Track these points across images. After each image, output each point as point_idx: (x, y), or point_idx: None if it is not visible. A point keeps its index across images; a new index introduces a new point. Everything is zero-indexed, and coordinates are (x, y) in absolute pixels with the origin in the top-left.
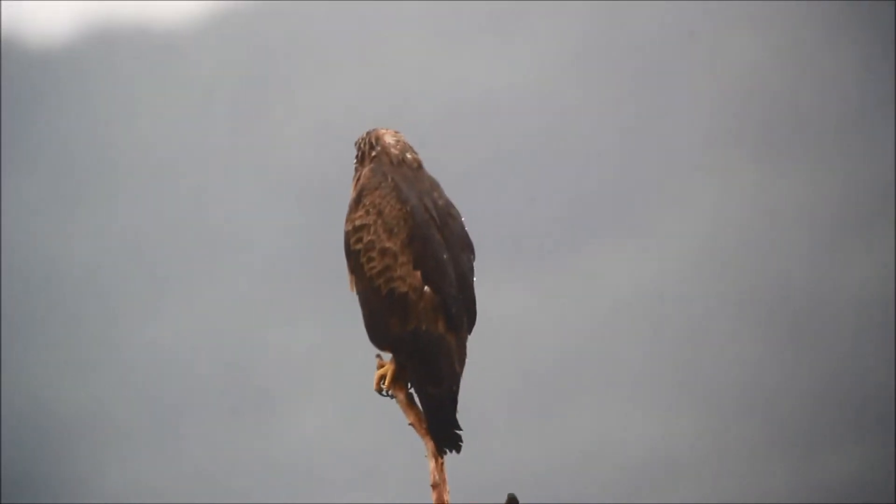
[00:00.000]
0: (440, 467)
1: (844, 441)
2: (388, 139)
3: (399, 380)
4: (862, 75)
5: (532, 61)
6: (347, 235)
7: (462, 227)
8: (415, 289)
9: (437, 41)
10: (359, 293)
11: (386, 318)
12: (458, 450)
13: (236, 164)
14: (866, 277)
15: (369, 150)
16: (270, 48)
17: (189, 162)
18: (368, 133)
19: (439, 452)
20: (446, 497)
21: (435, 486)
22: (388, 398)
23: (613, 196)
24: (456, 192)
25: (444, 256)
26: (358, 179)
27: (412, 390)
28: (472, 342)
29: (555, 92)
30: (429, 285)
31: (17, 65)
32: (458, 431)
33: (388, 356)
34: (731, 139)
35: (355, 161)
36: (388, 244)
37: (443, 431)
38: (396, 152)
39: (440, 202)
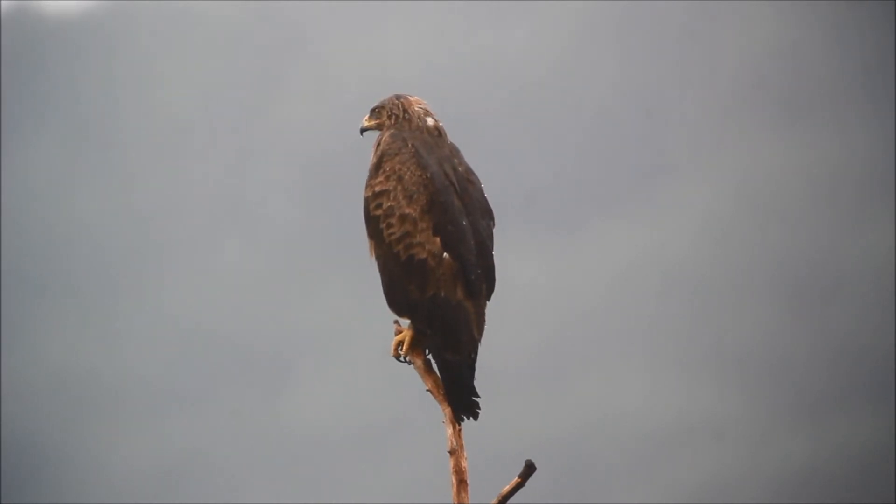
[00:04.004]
0: (458, 434)
1: (857, 406)
2: (413, 106)
3: (417, 346)
4: (877, 46)
5: (550, 28)
6: (367, 201)
7: (482, 193)
8: (434, 255)
9: (452, 7)
10: (378, 259)
11: (405, 284)
12: (476, 417)
13: (252, 132)
14: (875, 245)
15: (395, 116)
16: (286, 16)
17: (204, 129)
18: (394, 98)
19: (457, 419)
20: (464, 463)
21: (452, 452)
22: (406, 364)
23: (629, 165)
24: (473, 157)
25: (464, 223)
26: (378, 145)
27: (430, 356)
28: (491, 309)
29: (573, 60)
30: (448, 252)
31: (32, 32)
32: (475, 398)
33: (405, 322)
34: (743, 112)
35: (370, 117)
36: (407, 210)
37: (460, 398)
38: (418, 119)
39: (460, 168)
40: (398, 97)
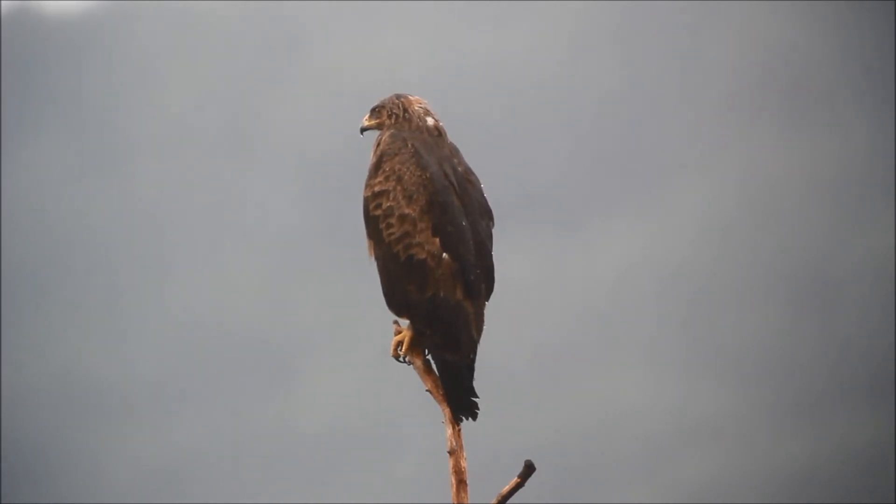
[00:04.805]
0: (457, 434)
1: (857, 406)
2: (412, 105)
3: (416, 346)
4: (877, 46)
5: (551, 28)
6: (367, 201)
7: (481, 193)
8: (433, 255)
9: (453, 8)
10: (377, 259)
11: (404, 284)
12: (475, 417)
13: (252, 132)
14: (875, 245)
15: (395, 115)
16: (286, 16)
17: (204, 129)
18: (394, 98)
19: (456, 419)
20: (463, 464)
21: (452, 452)
22: (406, 365)
23: (629, 166)
24: (473, 157)
25: (463, 223)
26: (378, 145)
27: (429, 357)
28: (490, 309)
29: (573, 61)
30: (447, 252)
31: (32, 32)
32: (474, 399)
33: (405, 322)
34: (744, 112)
35: (370, 116)
36: (407, 210)
37: (459, 398)
38: (418, 118)
39: (460, 168)
40: (398, 97)
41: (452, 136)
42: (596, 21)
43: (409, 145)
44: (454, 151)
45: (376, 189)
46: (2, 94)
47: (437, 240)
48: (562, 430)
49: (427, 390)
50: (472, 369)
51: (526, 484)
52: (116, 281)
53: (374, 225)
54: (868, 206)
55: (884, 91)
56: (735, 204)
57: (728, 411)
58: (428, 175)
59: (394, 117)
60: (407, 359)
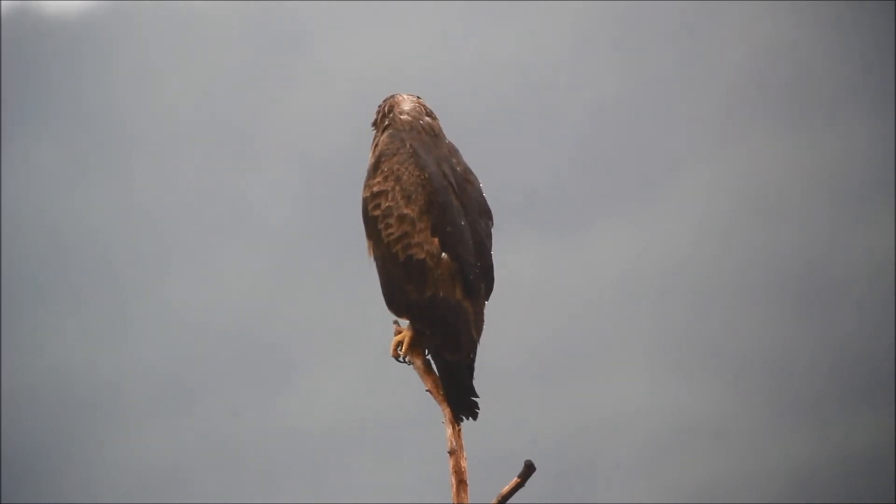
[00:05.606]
0: (457, 434)
1: (857, 406)
2: (408, 105)
3: (416, 346)
4: (877, 46)
5: (551, 28)
6: (365, 201)
7: (480, 193)
8: (432, 255)
9: (453, 7)
10: (376, 259)
11: (403, 284)
12: (475, 417)
13: (252, 132)
14: (875, 245)
15: (388, 116)
16: (286, 16)
17: (204, 129)
18: (388, 99)
19: (456, 419)
20: (463, 463)
21: (452, 452)
22: (406, 365)
23: (629, 165)
24: (473, 157)
25: (462, 223)
26: (376, 145)
27: (429, 357)
28: (490, 309)
29: (573, 60)
30: (446, 252)
31: (32, 32)
32: (474, 399)
33: (405, 322)
34: (743, 112)
35: (373, 125)
36: (405, 210)
37: (460, 398)
38: (413, 119)
39: (458, 168)
40: (390, 96)
41: (452, 136)
42: (595, 21)
43: (408, 145)
44: (453, 151)
45: (375, 189)
46: (2, 94)
47: (436, 240)
48: (562, 430)
49: (427, 390)
50: (471, 369)
51: (526, 484)
52: (116, 281)
53: (373, 225)
54: (868, 206)
55: (884, 91)
56: (735, 204)
57: (728, 411)
58: (426, 175)
59: (380, 117)
60: (407, 359)
